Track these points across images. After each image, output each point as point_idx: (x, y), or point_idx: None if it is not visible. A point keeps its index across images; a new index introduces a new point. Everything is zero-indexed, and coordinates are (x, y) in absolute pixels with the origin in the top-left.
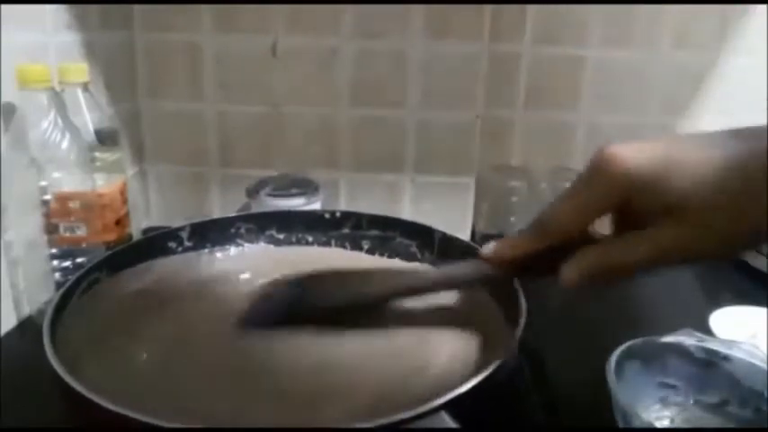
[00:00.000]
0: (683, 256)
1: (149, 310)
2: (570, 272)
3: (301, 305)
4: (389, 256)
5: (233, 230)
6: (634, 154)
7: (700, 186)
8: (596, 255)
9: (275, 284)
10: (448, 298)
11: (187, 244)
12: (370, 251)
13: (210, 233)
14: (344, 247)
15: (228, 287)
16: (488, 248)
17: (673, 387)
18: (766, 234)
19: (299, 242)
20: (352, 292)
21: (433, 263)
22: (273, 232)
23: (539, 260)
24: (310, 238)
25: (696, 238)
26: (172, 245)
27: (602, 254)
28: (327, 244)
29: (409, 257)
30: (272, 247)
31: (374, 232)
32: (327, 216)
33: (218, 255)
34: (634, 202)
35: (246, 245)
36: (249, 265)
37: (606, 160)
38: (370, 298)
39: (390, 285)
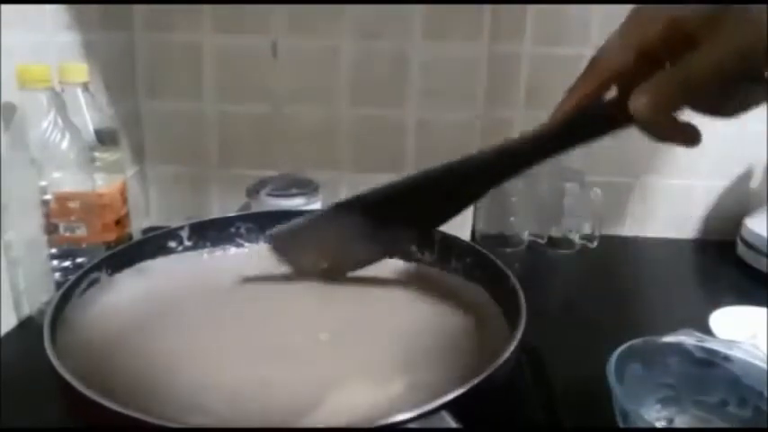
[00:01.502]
0: (749, 52)
1: (151, 309)
2: (638, 100)
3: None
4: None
5: (233, 230)
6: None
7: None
8: (661, 77)
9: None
10: (448, 298)
11: (187, 243)
12: None
13: (210, 233)
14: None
15: (229, 287)
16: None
17: (673, 387)
18: None
19: None
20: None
21: (433, 263)
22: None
23: (603, 107)
24: None
25: (751, 32)
26: (172, 244)
27: (667, 74)
28: None
29: (409, 257)
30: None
31: None
32: None
33: (218, 254)
34: (690, 17)
35: (246, 244)
36: (251, 265)
37: (634, 15)
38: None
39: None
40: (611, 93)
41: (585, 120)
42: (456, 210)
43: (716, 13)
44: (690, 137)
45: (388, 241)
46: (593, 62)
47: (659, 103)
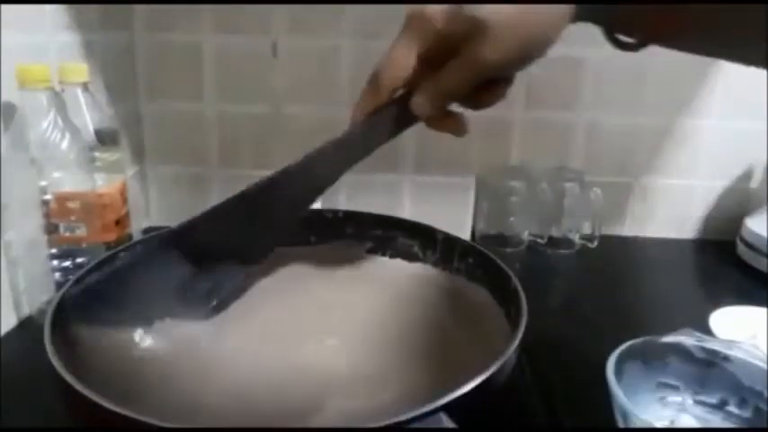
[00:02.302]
0: (491, 64)
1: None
2: (417, 102)
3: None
4: (391, 256)
5: None
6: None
7: (498, 9)
8: (432, 82)
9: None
10: (448, 298)
11: None
12: (372, 251)
13: None
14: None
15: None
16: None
17: (673, 387)
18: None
19: (300, 241)
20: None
21: (435, 263)
22: None
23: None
24: (312, 238)
25: (497, 48)
26: None
27: (436, 80)
28: (329, 243)
29: (411, 258)
30: None
31: (376, 232)
32: (330, 215)
33: None
34: (444, 35)
35: None
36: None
37: (415, 7)
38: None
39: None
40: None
41: (379, 124)
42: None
43: (470, 29)
44: (457, 127)
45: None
46: (377, 77)
47: (429, 102)
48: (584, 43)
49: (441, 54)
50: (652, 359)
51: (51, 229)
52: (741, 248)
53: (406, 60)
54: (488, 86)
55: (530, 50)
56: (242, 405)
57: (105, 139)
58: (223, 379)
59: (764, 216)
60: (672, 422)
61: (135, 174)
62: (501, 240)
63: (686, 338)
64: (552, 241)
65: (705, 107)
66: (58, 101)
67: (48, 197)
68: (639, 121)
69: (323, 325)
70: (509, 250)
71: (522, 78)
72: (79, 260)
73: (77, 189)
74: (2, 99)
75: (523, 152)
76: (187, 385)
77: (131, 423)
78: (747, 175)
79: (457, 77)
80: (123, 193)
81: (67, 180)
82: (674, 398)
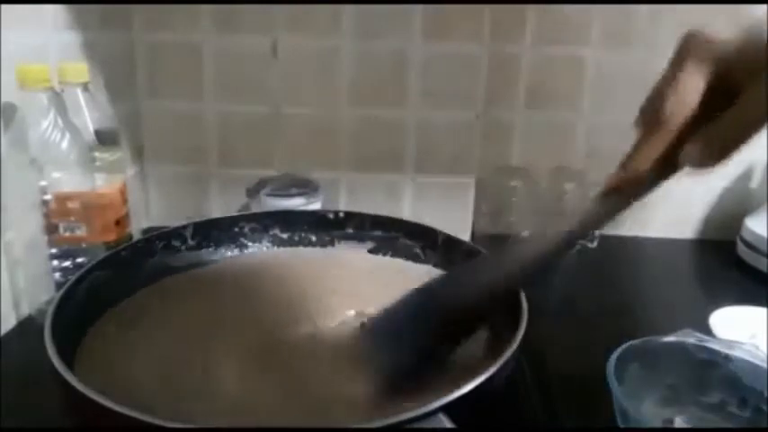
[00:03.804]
0: None
1: (153, 309)
2: (695, 150)
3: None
4: (392, 257)
5: (236, 230)
6: (715, 30)
7: None
8: (715, 129)
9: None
10: None
11: (191, 243)
12: (374, 251)
13: (214, 232)
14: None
15: (232, 287)
16: (614, 177)
17: (673, 387)
18: None
19: (302, 242)
20: (483, 282)
21: (436, 264)
22: (277, 232)
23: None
24: (314, 238)
25: None
26: (176, 244)
27: (720, 126)
28: (330, 244)
29: (412, 258)
30: (274, 247)
31: (377, 233)
32: (331, 216)
33: (221, 253)
34: (728, 71)
35: (250, 244)
36: (253, 266)
37: (693, 36)
38: (505, 279)
39: (521, 258)
40: None
41: (648, 183)
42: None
43: (757, 58)
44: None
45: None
46: (658, 113)
47: (711, 152)
48: (585, 43)
49: (713, 95)
50: (652, 359)
51: (51, 229)
52: (741, 248)
53: (696, 91)
54: None
55: None
56: (241, 400)
57: (105, 139)
58: (225, 379)
59: (764, 216)
60: (672, 422)
61: (135, 174)
62: (501, 240)
63: (686, 338)
64: None
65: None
66: (58, 101)
67: (48, 197)
68: None
69: (324, 325)
70: None
71: (522, 78)
72: (79, 260)
73: (77, 189)
74: (2, 99)
75: (523, 152)
76: (186, 383)
77: (131, 423)
78: (747, 175)
79: (753, 116)
80: (123, 193)
81: (67, 180)
82: (674, 398)
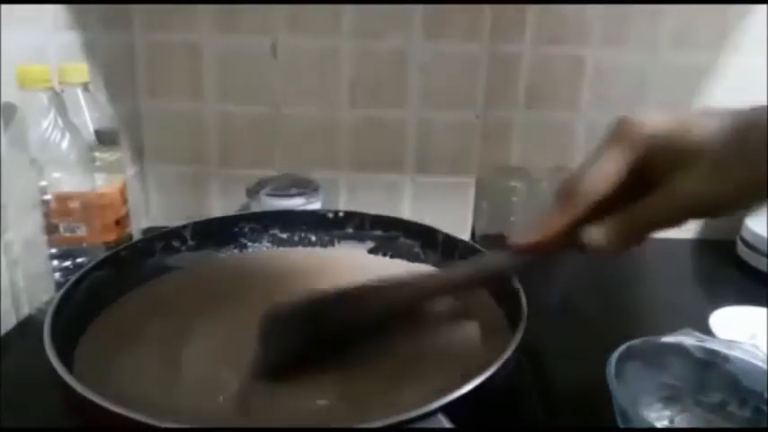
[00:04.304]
0: (701, 205)
1: (153, 311)
2: (599, 236)
3: (326, 321)
4: (392, 257)
5: (236, 230)
6: (650, 116)
7: (714, 137)
8: (622, 217)
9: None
10: (448, 298)
11: (190, 243)
12: (374, 251)
13: (214, 232)
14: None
15: (232, 287)
16: (520, 237)
17: (673, 387)
18: None
19: (301, 242)
20: (385, 299)
21: (436, 263)
22: (277, 232)
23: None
24: (313, 238)
25: (713, 187)
26: (175, 244)
27: (628, 215)
28: (330, 244)
29: (412, 258)
30: (274, 246)
31: (377, 232)
32: (331, 216)
33: (222, 253)
34: (651, 159)
35: (249, 244)
36: (252, 266)
37: (625, 121)
38: (404, 302)
39: (422, 287)
40: None
41: (551, 250)
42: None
43: (685, 155)
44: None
45: None
46: (570, 193)
47: (614, 242)
48: (584, 43)
49: (630, 183)
50: (652, 359)
51: (51, 229)
52: (741, 248)
53: (615, 171)
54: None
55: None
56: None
57: (105, 139)
58: (225, 378)
59: (764, 216)
60: (672, 422)
61: (135, 174)
62: (501, 240)
63: (686, 338)
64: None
65: (704, 107)
66: (58, 101)
67: (48, 197)
68: None
69: None
70: None
71: (521, 78)
72: (79, 260)
73: (77, 189)
74: (2, 99)
75: (523, 152)
76: (186, 383)
77: (131, 423)
78: None
79: (663, 210)
80: (123, 193)
81: (67, 180)
82: (674, 398)
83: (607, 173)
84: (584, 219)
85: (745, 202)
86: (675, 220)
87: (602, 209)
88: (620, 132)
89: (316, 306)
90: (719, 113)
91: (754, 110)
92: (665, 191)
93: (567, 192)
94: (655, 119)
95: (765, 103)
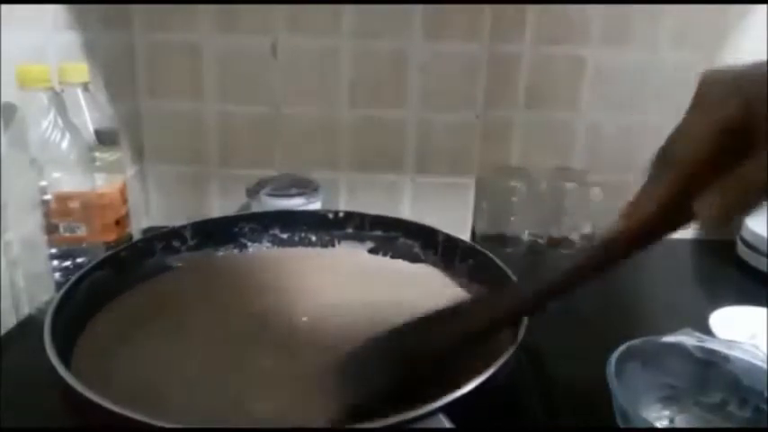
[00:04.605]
0: None
1: (153, 310)
2: (710, 207)
3: (397, 357)
4: (392, 257)
5: (236, 230)
6: (736, 65)
7: None
8: (728, 183)
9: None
10: (449, 298)
11: (190, 243)
12: (374, 251)
13: (214, 232)
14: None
15: (231, 286)
16: (620, 221)
17: (673, 387)
18: None
19: (301, 242)
20: (451, 332)
21: (436, 264)
22: (277, 232)
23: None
24: (313, 238)
25: None
26: (175, 244)
27: (733, 180)
28: (330, 244)
29: (412, 258)
30: (274, 247)
31: (377, 232)
32: (331, 216)
33: (221, 254)
34: (747, 114)
35: (250, 244)
36: (252, 266)
37: (707, 75)
38: (472, 333)
39: (493, 313)
40: None
41: (658, 225)
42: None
43: None
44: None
45: None
46: (666, 157)
47: (730, 210)
48: (584, 43)
49: (731, 145)
50: (652, 359)
51: (51, 229)
52: (741, 248)
53: (706, 135)
54: None
55: None
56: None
57: (105, 139)
58: (224, 377)
59: (764, 216)
60: (672, 422)
61: (135, 174)
62: (501, 240)
63: (686, 338)
64: (552, 241)
65: None
66: (58, 101)
67: (48, 197)
68: (640, 121)
69: (325, 323)
70: (509, 250)
71: (521, 78)
72: (79, 260)
73: (77, 189)
74: (2, 99)
75: (523, 152)
76: (187, 383)
77: (131, 423)
78: None
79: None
80: (123, 193)
81: (67, 180)
82: (674, 398)
83: (698, 134)
84: (687, 190)
85: None
86: None
87: (706, 177)
88: (705, 90)
89: (395, 337)
90: None
91: None
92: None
93: (661, 161)
94: (743, 64)
95: None
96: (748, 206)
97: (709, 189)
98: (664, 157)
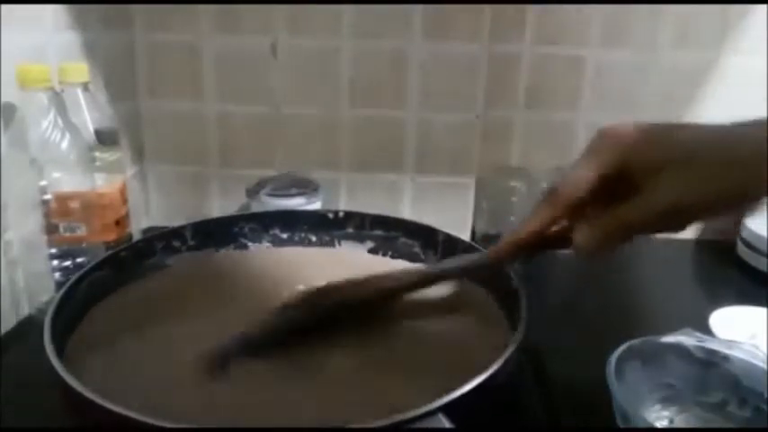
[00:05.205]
0: (684, 207)
1: (152, 309)
2: (584, 236)
3: (303, 318)
4: (393, 257)
5: (236, 230)
6: (629, 124)
7: (703, 140)
8: (607, 218)
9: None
10: (448, 298)
11: (191, 243)
12: (374, 251)
13: (214, 232)
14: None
15: (232, 288)
16: (498, 244)
17: (673, 387)
18: (754, 198)
19: (302, 242)
20: (353, 293)
21: (436, 264)
22: (277, 232)
23: (547, 237)
24: (314, 238)
25: (698, 189)
26: (176, 244)
27: (608, 217)
28: (331, 244)
29: (412, 258)
30: (274, 247)
31: (377, 232)
32: (331, 216)
33: (221, 253)
34: (638, 160)
35: (250, 244)
36: (252, 266)
37: (611, 126)
38: (374, 294)
39: (398, 280)
40: None
41: (532, 245)
42: None
43: (660, 161)
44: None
45: None
46: (554, 193)
47: (598, 242)
48: (584, 43)
49: (611, 188)
50: (652, 359)
51: (51, 229)
52: (741, 248)
53: (587, 177)
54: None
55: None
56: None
57: (105, 139)
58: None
59: (764, 216)
60: (672, 422)
61: (135, 174)
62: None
63: (686, 338)
64: None
65: (704, 108)
66: (58, 101)
67: (48, 197)
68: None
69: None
70: None
71: (521, 78)
72: (79, 260)
73: (77, 189)
74: (2, 99)
75: (523, 152)
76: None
77: (131, 423)
78: None
79: (641, 215)
80: (123, 193)
81: (67, 180)
82: (674, 398)
83: (584, 176)
84: (568, 220)
85: (719, 209)
86: (652, 223)
87: (585, 212)
88: (598, 139)
89: (322, 291)
90: (700, 125)
91: (753, 123)
92: (644, 195)
93: (549, 194)
94: (634, 126)
95: (764, 115)
96: (619, 240)
97: (586, 222)
98: (550, 192)
